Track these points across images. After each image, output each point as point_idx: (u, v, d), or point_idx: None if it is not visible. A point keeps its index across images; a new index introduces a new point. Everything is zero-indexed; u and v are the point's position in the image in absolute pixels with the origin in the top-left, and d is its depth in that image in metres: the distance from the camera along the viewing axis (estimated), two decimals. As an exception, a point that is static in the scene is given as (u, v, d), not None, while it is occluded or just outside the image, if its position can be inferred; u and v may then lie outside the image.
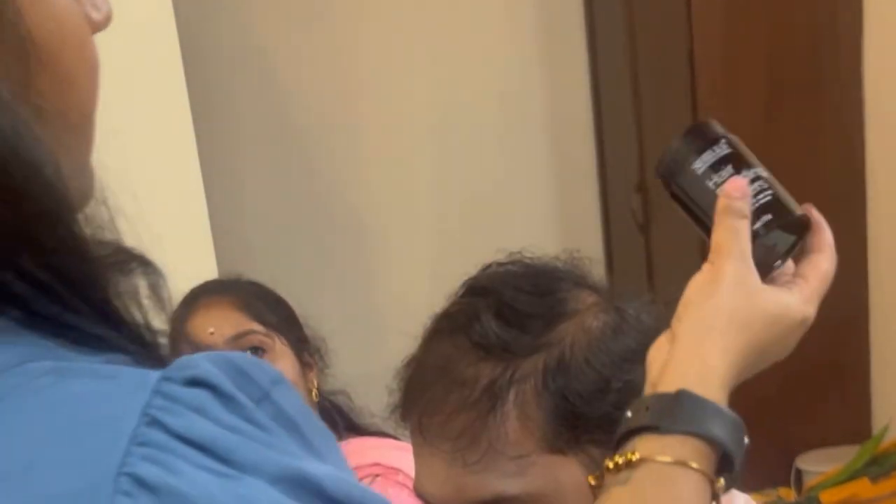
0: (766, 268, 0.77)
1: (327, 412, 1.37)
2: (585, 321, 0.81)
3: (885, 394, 3.02)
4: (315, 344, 1.38)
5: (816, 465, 2.91)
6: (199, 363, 0.49)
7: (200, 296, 1.31)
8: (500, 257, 0.87)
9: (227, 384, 0.48)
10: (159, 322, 0.57)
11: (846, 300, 3.00)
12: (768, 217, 0.78)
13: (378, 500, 0.51)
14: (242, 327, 1.28)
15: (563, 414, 0.79)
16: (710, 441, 0.68)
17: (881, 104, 2.88)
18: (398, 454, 1.24)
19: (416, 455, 0.83)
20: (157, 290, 0.58)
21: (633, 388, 0.80)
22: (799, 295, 0.78)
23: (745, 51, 2.83)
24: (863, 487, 2.73)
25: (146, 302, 0.57)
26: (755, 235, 0.77)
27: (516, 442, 0.79)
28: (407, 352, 0.86)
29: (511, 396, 0.79)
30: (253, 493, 0.46)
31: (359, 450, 1.29)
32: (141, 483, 0.44)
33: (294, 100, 3.29)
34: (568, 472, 0.79)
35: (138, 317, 0.55)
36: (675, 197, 0.78)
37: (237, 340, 1.26)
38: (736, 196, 0.76)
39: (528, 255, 0.87)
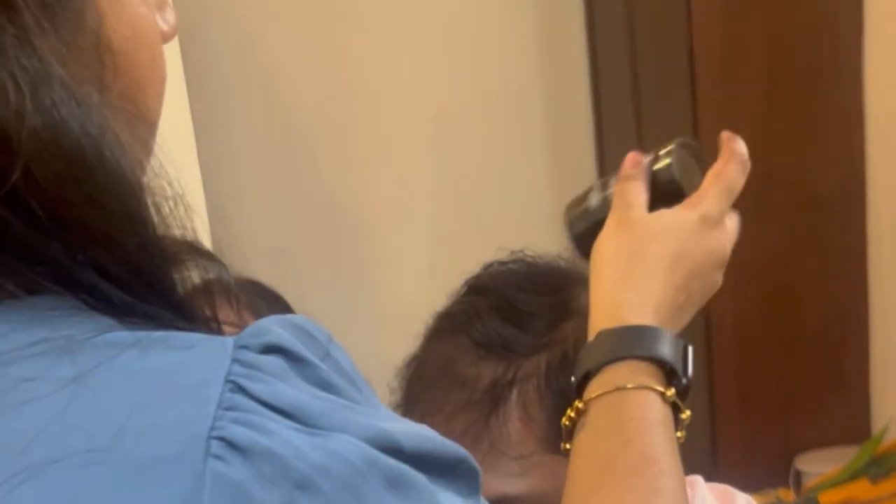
0: (676, 198, 0.78)
1: None
2: (586, 319, 0.81)
3: (884, 394, 3.02)
4: None
5: (816, 465, 2.91)
6: (271, 328, 0.50)
7: None
8: (502, 256, 0.87)
9: (298, 347, 0.49)
10: (224, 315, 0.58)
11: (846, 300, 3.00)
12: (663, 162, 0.80)
13: (450, 450, 0.52)
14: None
15: (566, 405, 0.79)
16: (640, 358, 0.69)
17: (881, 103, 2.88)
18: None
19: None
20: (223, 284, 0.61)
21: None
22: (687, 202, 0.78)
23: (745, 50, 2.83)
24: (862, 488, 2.73)
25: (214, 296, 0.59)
26: (652, 177, 0.80)
27: (518, 442, 0.78)
28: (405, 350, 0.86)
29: (513, 396, 0.79)
30: (343, 446, 0.46)
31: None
32: (232, 445, 0.45)
33: (292, 96, 3.29)
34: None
35: (209, 311, 0.56)
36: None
37: None
38: (626, 166, 0.79)
39: (530, 253, 0.86)
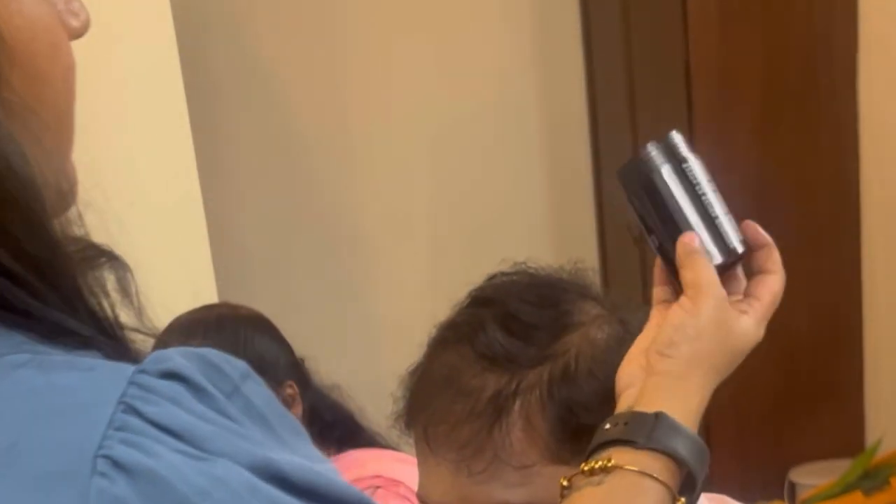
0: None
1: (327, 423, 1.36)
2: (590, 333, 0.82)
3: (878, 407, 3.02)
4: (293, 375, 1.35)
5: (810, 478, 2.91)
6: (172, 357, 0.51)
7: None
8: (505, 267, 0.87)
9: (199, 377, 0.51)
10: (126, 316, 0.59)
11: (840, 313, 3.01)
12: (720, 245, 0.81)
13: (345, 491, 0.53)
14: None
15: (568, 424, 0.79)
16: (677, 460, 0.72)
17: (876, 115, 2.89)
18: (399, 466, 1.24)
19: (421, 463, 0.83)
20: (124, 284, 0.61)
21: None
22: (754, 318, 0.81)
23: (741, 62, 2.85)
24: (856, 501, 2.73)
25: (114, 296, 0.59)
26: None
27: (521, 452, 0.79)
28: (403, 362, 0.87)
29: (516, 407, 0.79)
30: (226, 473, 0.48)
31: (359, 462, 1.28)
32: (117, 465, 0.46)
33: (290, 112, 3.30)
34: None
35: (108, 311, 0.57)
36: (634, 201, 0.79)
37: None
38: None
39: (533, 265, 0.87)
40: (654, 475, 0.70)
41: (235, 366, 0.53)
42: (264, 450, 0.50)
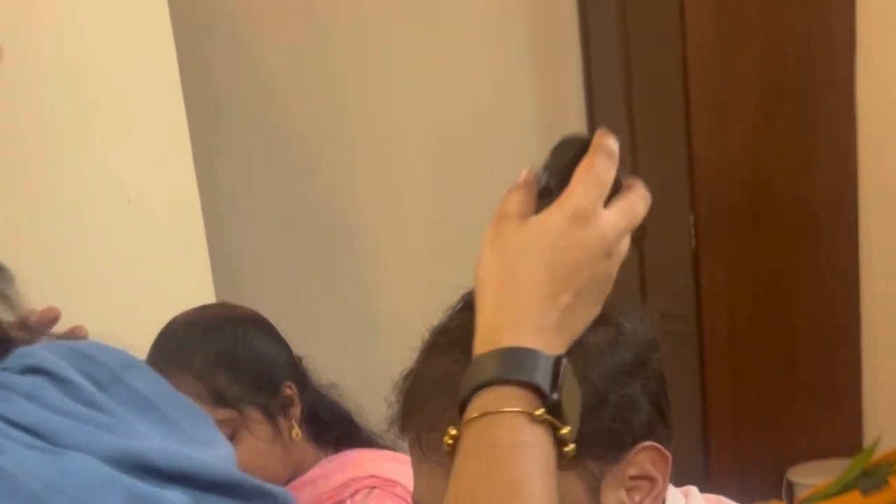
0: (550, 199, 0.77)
1: (324, 423, 1.36)
2: (582, 335, 0.81)
3: (876, 407, 3.03)
4: (292, 375, 1.34)
5: (808, 477, 2.91)
6: (35, 352, 0.52)
7: (160, 367, 1.28)
8: None
9: (65, 370, 0.51)
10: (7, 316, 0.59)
11: (837, 314, 3.01)
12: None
13: (218, 473, 0.52)
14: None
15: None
16: (507, 381, 0.68)
17: (874, 118, 2.89)
18: (396, 466, 1.24)
19: (415, 468, 0.83)
20: (3, 292, 0.60)
21: (630, 401, 0.79)
22: (557, 201, 0.75)
23: (739, 62, 2.85)
24: (854, 500, 2.73)
25: None
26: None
27: None
28: (401, 362, 0.86)
29: None
30: (79, 466, 0.48)
31: (356, 461, 1.28)
32: None
33: (289, 111, 3.30)
34: (566, 485, 0.78)
35: None
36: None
37: None
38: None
39: None
40: (489, 411, 0.68)
41: (115, 356, 0.53)
42: (129, 439, 0.50)
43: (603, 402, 0.78)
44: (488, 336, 0.71)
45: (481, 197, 3.37)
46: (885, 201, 2.91)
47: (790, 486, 2.96)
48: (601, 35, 3.32)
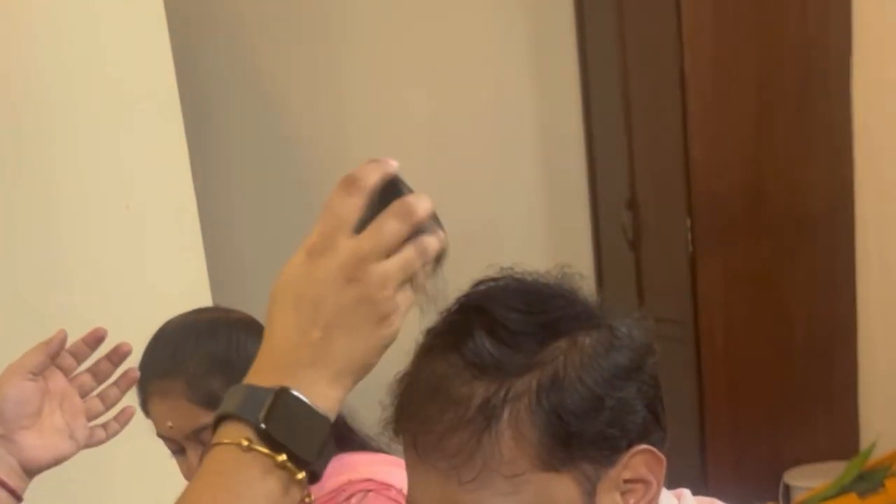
0: None
1: None
2: (578, 339, 0.81)
3: (872, 410, 3.03)
4: None
5: (804, 480, 2.92)
6: None
7: (152, 379, 1.27)
8: (492, 272, 0.87)
9: None
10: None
11: (834, 318, 3.02)
12: None
13: None
14: (198, 422, 1.25)
15: (557, 432, 0.78)
16: (225, 417, 0.73)
17: (870, 123, 2.90)
18: (391, 470, 1.23)
19: (411, 471, 0.83)
20: None
21: (625, 404, 0.80)
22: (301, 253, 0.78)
23: (736, 70, 2.86)
24: (851, 503, 2.74)
25: None
26: None
27: (511, 461, 0.79)
28: (395, 366, 0.86)
29: (505, 415, 0.79)
30: None
31: (351, 465, 1.28)
32: None
33: (286, 115, 3.30)
34: (562, 488, 0.79)
35: None
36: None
37: (196, 435, 1.25)
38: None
39: (519, 271, 0.86)
40: (213, 443, 0.72)
41: None
42: None
43: (598, 405, 0.79)
44: (247, 376, 0.75)
45: (477, 202, 3.40)
46: (880, 207, 2.91)
47: (787, 488, 2.97)
48: (599, 44, 3.32)
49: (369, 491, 1.23)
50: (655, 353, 0.84)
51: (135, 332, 1.23)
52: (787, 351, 3.00)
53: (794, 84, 2.90)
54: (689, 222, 2.88)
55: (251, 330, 1.30)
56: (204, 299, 2.08)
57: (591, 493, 0.80)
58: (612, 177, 3.33)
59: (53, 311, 1.86)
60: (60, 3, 1.91)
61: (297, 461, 0.71)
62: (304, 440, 0.72)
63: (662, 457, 0.82)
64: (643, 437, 0.81)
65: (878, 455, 2.85)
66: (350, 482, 1.24)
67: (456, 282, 0.88)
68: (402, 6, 3.30)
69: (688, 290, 2.92)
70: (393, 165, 0.79)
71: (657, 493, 0.83)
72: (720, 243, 2.90)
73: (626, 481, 0.81)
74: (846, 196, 2.95)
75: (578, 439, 0.78)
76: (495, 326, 0.81)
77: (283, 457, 0.71)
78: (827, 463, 2.95)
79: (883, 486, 2.75)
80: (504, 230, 3.38)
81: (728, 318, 2.91)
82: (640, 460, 0.81)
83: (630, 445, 0.80)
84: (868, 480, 2.77)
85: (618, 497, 0.81)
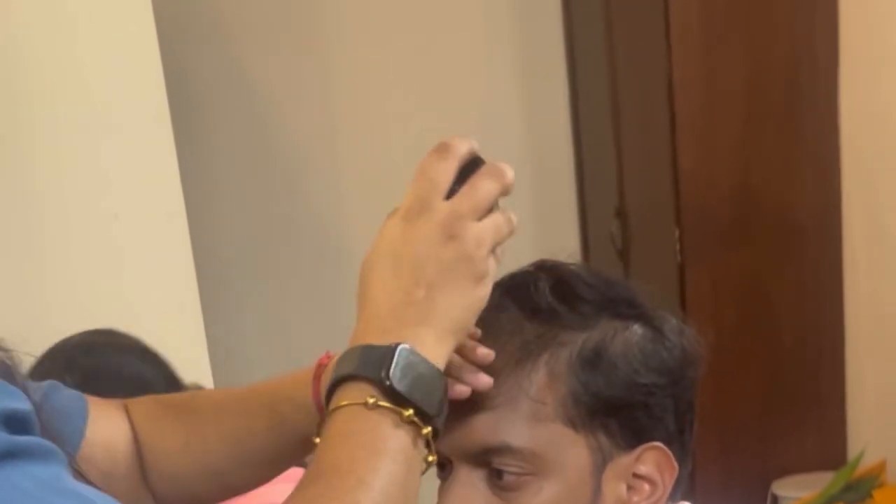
0: None
1: None
2: (631, 326, 0.84)
3: (860, 420, 3.04)
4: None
5: (792, 490, 2.92)
6: None
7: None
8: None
9: None
10: None
11: (822, 326, 3.03)
12: None
13: None
14: None
15: (587, 391, 0.81)
16: (349, 378, 0.73)
17: (856, 130, 2.91)
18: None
19: None
20: None
21: (657, 398, 0.83)
22: (397, 215, 0.80)
23: (724, 79, 2.86)
24: (838, 513, 2.74)
25: None
26: None
27: (540, 390, 0.81)
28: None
29: (545, 356, 0.81)
30: None
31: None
32: None
33: (276, 121, 3.30)
34: (575, 450, 0.81)
35: None
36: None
37: None
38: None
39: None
40: (337, 405, 0.71)
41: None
42: None
43: (631, 387, 0.82)
44: (352, 339, 0.77)
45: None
46: (868, 217, 2.92)
47: (775, 498, 2.97)
48: (587, 52, 3.33)
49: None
50: (698, 367, 0.87)
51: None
52: (775, 360, 3.00)
53: (782, 94, 2.91)
54: (677, 232, 2.89)
55: (133, 352, 1.33)
56: (193, 307, 2.08)
57: (600, 468, 0.82)
58: (600, 186, 3.34)
59: (41, 322, 1.85)
60: (47, 8, 1.91)
61: (422, 416, 0.71)
62: (427, 395, 0.72)
63: (675, 465, 0.83)
64: (664, 442, 0.83)
65: (865, 465, 2.86)
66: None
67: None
68: (391, 13, 3.30)
69: (676, 299, 2.93)
70: (475, 143, 0.81)
71: (661, 500, 0.84)
72: (708, 252, 2.91)
73: (635, 475, 0.83)
74: (834, 205, 2.96)
75: (603, 405, 0.81)
76: (560, 284, 0.84)
77: (410, 411, 0.71)
78: (815, 473, 2.95)
79: (871, 496, 2.75)
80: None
81: (716, 328, 2.91)
82: (653, 457, 0.83)
83: (649, 441, 0.83)
84: (856, 490, 2.78)
85: (623, 489, 0.83)
